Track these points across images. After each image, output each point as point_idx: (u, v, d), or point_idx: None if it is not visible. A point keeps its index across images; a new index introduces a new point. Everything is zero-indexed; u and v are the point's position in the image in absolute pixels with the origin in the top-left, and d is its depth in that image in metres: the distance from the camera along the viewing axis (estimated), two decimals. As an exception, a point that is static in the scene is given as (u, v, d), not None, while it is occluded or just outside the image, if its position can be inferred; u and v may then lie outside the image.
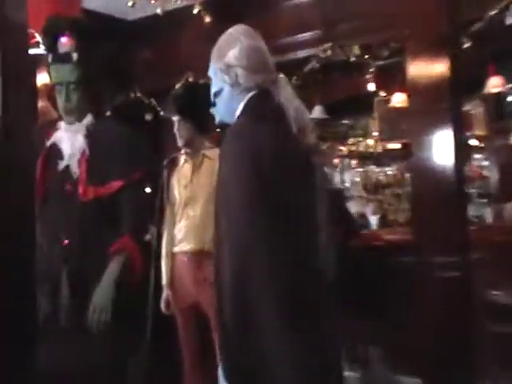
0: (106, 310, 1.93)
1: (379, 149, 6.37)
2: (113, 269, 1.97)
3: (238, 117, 1.49)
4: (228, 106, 1.51)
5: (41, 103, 2.84)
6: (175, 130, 2.70)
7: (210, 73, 1.56)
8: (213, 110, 1.57)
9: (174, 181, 2.74)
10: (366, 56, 4.12)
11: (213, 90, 1.54)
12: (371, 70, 4.30)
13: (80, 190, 2.00)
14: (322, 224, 1.52)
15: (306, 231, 1.45)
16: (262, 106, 1.48)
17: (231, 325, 1.32)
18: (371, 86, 5.07)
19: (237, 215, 1.39)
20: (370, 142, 6.74)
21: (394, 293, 2.96)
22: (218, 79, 1.53)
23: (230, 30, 1.54)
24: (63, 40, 2.04)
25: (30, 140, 1.04)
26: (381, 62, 4.37)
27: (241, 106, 1.49)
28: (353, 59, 3.95)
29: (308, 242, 1.46)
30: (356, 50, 4.07)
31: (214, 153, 2.73)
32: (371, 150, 6.71)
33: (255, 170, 1.37)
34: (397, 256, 3.20)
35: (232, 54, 1.49)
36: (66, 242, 1.99)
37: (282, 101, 1.47)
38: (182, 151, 2.73)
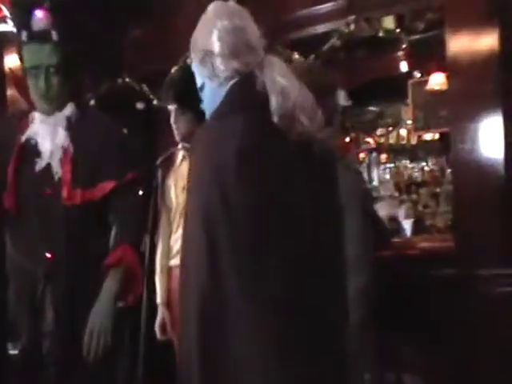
0: (106, 334, 1.91)
1: (413, 140, 6.36)
2: (111, 284, 1.95)
3: (210, 115, 1.51)
4: (211, 101, 1.52)
5: (9, 91, 2.85)
6: (172, 121, 2.66)
7: (193, 66, 1.58)
8: (202, 107, 1.60)
9: (170, 182, 2.69)
10: (398, 30, 4.10)
11: (197, 84, 1.57)
12: (404, 47, 4.28)
13: (64, 193, 1.96)
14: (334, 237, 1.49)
15: (297, 252, 1.40)
16: (236, 97, 1.48)
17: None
18: (404, 66, 5.06)
19: (188, 231, 1.44)
20: (403, 132, 6.72)
21: (431, 312, 2.95)
22: (198, 73, 1.55)
23: (205, 13, 1.54)
24: (39, 15, 2.00)
25: None
26: (415, 37, 4.35)
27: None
28: (381, 34, 3.93)
29: (303, 269, 1.40)
30: (385, 23, 4.06)
31: None
32: (404, 141, 6.69)
33: (210, 180, 1.39)
34: (435, 268, 3.18)
35: (205, 42, 1.49)
36: (49, 256, 1.96)
37: (266, 85, 1.45)
38: (180, 147, 2.69)
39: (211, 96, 1.53)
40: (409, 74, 5.25)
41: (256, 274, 1.37)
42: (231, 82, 1.48)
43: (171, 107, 2.65)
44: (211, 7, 1.53)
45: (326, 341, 1.42)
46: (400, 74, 5.16)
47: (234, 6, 1.55)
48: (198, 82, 1.56)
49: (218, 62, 1.47)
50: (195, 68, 1.56)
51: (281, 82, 1.45)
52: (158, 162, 2.71)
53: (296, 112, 1.44)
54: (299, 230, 1.42)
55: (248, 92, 1.47)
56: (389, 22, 4.14)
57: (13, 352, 1.90)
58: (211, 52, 1.48)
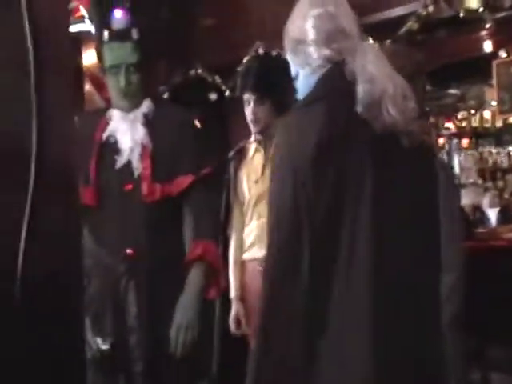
0: (193, 328, 1.96)
1: (499, 123, 6.15)
2: (196, 279, 1.99)
3: (298, 101, 1.53)
4: (305, 90, 1.53)
5: (87, 87, 2.96)
6: (249, 112, 2.65)
7: (286, 55, 1.60)
8: (298, 96, 1.62)
9: (243, 175, 2.72)
10: (481, 9, 3.97)
11: (292, 73, 1.59)
12: (488, 26, 4.14)
13: (144, 189, 2.01)
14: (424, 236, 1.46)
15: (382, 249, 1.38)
16: (323, 85, 1.48)
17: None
18: (488, 46, 4.90)
19: (270, 223, 1.50)
20: (487, 114, 6.51)
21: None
22: (291, 62, 1.57)
23: (298, 1, 1.56)
24: (118, 14, 2.03)
25: (68, 142, 1.06)
26: (501, 15, 4.20)
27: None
28: (463, 14, 3.82)
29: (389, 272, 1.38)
30: (467, 1, 3.94)
31: None
32: (488, 124, 6.48)
33: (289, 169, 1.41)
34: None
35: (298, 30, 1.51)
36: (131, 251, 2.01)
37: (356, 73, 1.45)
38: (252, 139, 2.70)
39: (305, 85, 1.54)
40: (493, 54, 5.08)
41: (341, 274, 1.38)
42: (323, 71, 1.49)
43: (250, 97, 2.65)
44: None
45: (420, 342, 1.41)
46: (483, 55, 5.00)
47: None
48: (292, 71, 1.58)
49: (311, 50, 1.49)
50: (288, 57, 1.58)
51: (370, 69, 1.45)
52: (230, 154, 2.74)
53: (384, 101, 1.42)
54: (384, 225, 1.40)
55: (335, 80, 1.47)
56: (471, 1, 4.02)
57: (104, 347, 1.97)
58: (304, 40, 1.50)
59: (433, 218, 1.51)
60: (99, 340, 1.97)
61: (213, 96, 5.18)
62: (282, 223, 1.45)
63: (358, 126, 1.43)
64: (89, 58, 3.09)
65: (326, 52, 1.48)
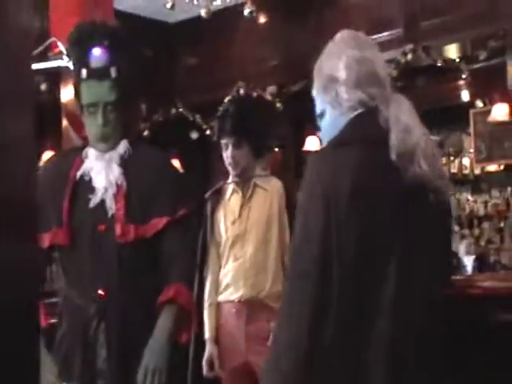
0: (161, 373, 1.92)
1: (476, 171, 6.24)
2: (166, 321, 1.96)
3: (328, 142, 1.51)
4: (331, 130, 1.52)
5: (64, 123, 2.95)
6: (227, 155, 2.69)
7: (313, 92, 1.58)
8: (318, 134, 1.62)
9: (220, 215, 2.74)
10: (458, 59, 4.07)
11: (316, 111, 1.58)
12: (464, 76, 4.24)
13: (118, 229, 2.00)
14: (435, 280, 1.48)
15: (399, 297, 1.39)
16: (358, 129, 1.48)
17: None
18: (465, 95, 5.01)
19: (290, 266, 1.48)
20: (466, 161, 6.60)
21: (495, 361, 2.85)
22: (319, 99, 1.56)
23: (333, 40, 1.56)
24: (97, 52, 2.02)
25: (31, 183, 1.03)
26: (477, 66, 4.31)
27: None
28: (440, 64, 3.91)
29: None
30: (445, 51, 4.05)
31: (267, 182, 2.75)
32: (467, 171, 6.57)
33: (320, 208, 1.39)
34: (501, 310, 3.08)
35: (330, 69, 1.50)
36: (102, 292, 1.99)
37: (389, 121, 1.45)
38: (229, 180, 2.74)
39: (331, 124, 1.53)
40: (471, 104, 5.19)
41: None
42: (355, 113, 1.48)
43: (227, 141, 2.69)
44: (339, 35, 1.55)
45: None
46: (461, 103, 5.10)
47: (364, 36, 1.57)
48: (318, 108, 1.57)
49: (343, 90, 1.48)
50: (316, 94, 1.57)
51: (405, 120, 1.45)
52: (208, 195, 2.75)
53: (416, 153, 1.43)
54: (406, 273, 1.41)
55: (370, 125, 1.47)
56: (448, 51, 4.12)
57: None
58: (336, 79, 1.49)
59: (444, 272, 1.56)
60: (64, 383, 1.91)
61: (194, 135, 5.21)
62: (312, 257, 1.40)
63: (390, 173, 1.43)
64: (67, 94, 3.09)
65: (360, 95, 1.47)
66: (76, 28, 2.11)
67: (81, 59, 2.05)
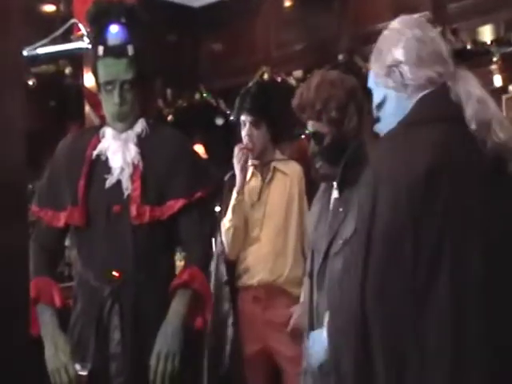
0: (174, 358, 1.91)
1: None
2: (179, 305, 1.95)
3: (398, 122, 1.47)
4: (395, 115, 1.48)
5: (87, 108, 2.97)
6: (244, 133, 2.68)
7: (370, 83, 1.56)
8: (376, 128, 1.58)
9: None
10: (489, 42, 3.97)
11: (375, 102, 1.55)
12: (496, 60, 4.13)
13: (133, 210, 1.99)
14: None
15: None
16: (430, 108, 1.45)
17: None
18: (497, 80, 4.88)
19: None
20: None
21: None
22: (379, 87, 1.53)
23: (391, 25, 1.54)
24: (114, 30, 2.02)
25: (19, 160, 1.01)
26: (510, 49, 4.20)
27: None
28: (470, 47, 3.82)
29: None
30: (475, 34, 3.95)
31: (287, 167, 2.73)
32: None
33: (391, 197, 1.33)
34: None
35: (394, 51, 1.48)
36: (117, 274, 1.99)
37: (461, 96, 1.43)
38: (249, 163, 2.72)
39: (396, 109, 1.49)
40: (503, 89, 5.07)
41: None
42: (423, 93, 1.46)
43: (246, 118, 2.68)
44: (397, 20, 1.54)
45: None
46: (493, 89, 4.98)
47: (421, 19, 1.55)
48: (378, 97, 1.54)
49: (407, 71, 1.46)
50: (374, 83, 1.54)
51: (475, 92, 1.43)
52: (227, 177, 2.74)
53: (493, 123, 1.40)
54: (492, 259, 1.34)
55: (443, 103, 1.44)
56: (479, 34, 4.02)
57: (82, 373, 1.92)
58: (399, 60, 1.46)
59: None
60: (78, 365, 1.92)
61: (219, 121, 5.19)
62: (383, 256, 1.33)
63: (470, 149, 1.40)
64: (90, 78, 3.10)
65: (427, 72, 1.45)
66: (93, 5, 2.10)
67: (98, 37, 2.05)
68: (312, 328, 1.98)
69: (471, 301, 1.33)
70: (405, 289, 1.31)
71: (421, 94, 1.45)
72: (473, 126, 1.40)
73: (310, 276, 2.05)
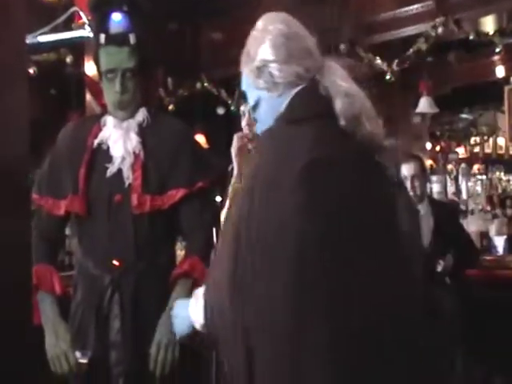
0: (174, 348, 1.91)
1: (511, 151, 6.11)
2: (180, 296, 1.92)
3: (274, 121, 1.48)
4: (270, 116, 1.48)
5: (88, 96, 2.97)
6: (244, 123, 2.67)
7: (243, 85, 1.55)
8: (256, 129, 1.58)
9: (241, 189, 2.74)
10: (492, 32, 3.96)
11: (250, 104, 1.55)
12: (498, 51, 4.12)
13: (134, 200, 1.98)
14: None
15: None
16: (304, 104, 1.46)
17: None
18: (499, 71, 4.88)
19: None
20: (501, 141, 6.46)
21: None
22: (252, 89, 1.52)
23: (256, 25, 1.53)
24: (116, 18, 2.01)
25: (22, 151, 1.02)
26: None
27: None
28: (473, 37, 3.81)
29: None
30: (478, 24, 3.93)
31: None
32: (501, 151, 6.43)
33: (271, 197, 1.35)
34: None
35: (261, 51, 1.47)
36: (117, 263, 1.98)
37: (329, 90, 1.44)
38: (249, 148, 2.68)
39: (270, 109, 1.49)
40: (505, 80, 5.06)
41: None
42: (294, 91, 1.46)
43: (245, 108, 2.65)
44: (262, 18, 1.53)
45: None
46: (495, 80, 4.98)
47: (285, 15, 1.54)
48: (252, 99, 1.53)
49: (276, 69, 1.45)
50: (247, 85, 1.54)
51: (343, 84, 1.45)
52: (230, 168, 2.73)
53: (362, 116, 1.43)
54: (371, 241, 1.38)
55: (313, 100, 1.46)
56: (482, 24, 4.01)
57: (82, 361, 1.93)
58: (267, 60, 1.46)
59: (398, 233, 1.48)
60: (78, 353, 1.93)
61: (220, 110, 5.19)
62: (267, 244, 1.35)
63: (342, 143, 1.43)
64: (91, 67, 3.10)
65: (295, 68, 1.46)
66: None
67: (100, 25, 2.04)
68: None
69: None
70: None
71: (293, 92, 1.46)
72: (342, 122, 1.42)
73: None
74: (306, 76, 1.46)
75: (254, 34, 1.52)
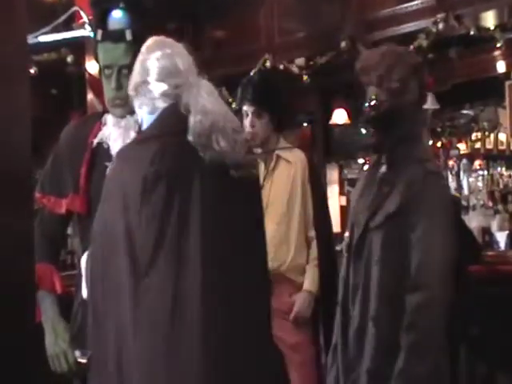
0: None
1: (512, 146, 6.10)
2: None
3: (133, 138, 1.71)
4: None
5: (89, 96, 2.98)
6: (247, 124, 2.67)
7: (135, 107, 1.75)
8: None
9: None
10: (493, 27, 3.95)
11: (139, 122, 1.77)
12: (499, 46, 4.12)
13: None
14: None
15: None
16: (159, 122, 1.63)
17: None
18: (500, 66, 4.87)
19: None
20: (502, 137, 6.46)
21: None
22: (136, 107, 1.72)
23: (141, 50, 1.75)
24: (114, 14, 2.02)
25: (23, 151, 1.02)
26: (513, 35, 4.18)
27: None
28: (473, 33, 3.80)
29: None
30: (479, 20, 3.92)
31: (290, 154, 2.73)
32: (503, 147, 6.42)
33: (120, 200, 1.55)
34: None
35: (137, 74, 1.69)
36: None
37: (190, 108, 1.58)
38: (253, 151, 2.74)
39: (147, 124, 1.69)
40: (506, 75, 5.05)
41: None
42: (162, 108, 1.63)
43: (248, 108, 2.67)
44: (144, 44, 1.73)
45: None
46: (496, 75, 4.96)
47: (164, 39, 1.74)
48: (139, 118, 1.73)
49: (151, 88, 1.65)
50: (136, 108, 1.73)
51: (202, 101, 1.57)
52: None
53: (213, 133, 1.54)
54: (213, 255, 1.51)
55: (170, 116, 1.61)
56: (483, 19, 4.00)
57: (81, 360, 1.91)
58: (144, 80, 1.66)
59: (256, 245, 1.69)
60: (78, 352, 1.92)
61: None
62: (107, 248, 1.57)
63: (189, 158, 1.55)
64: (92, 66, 3.10)
65: (163, 86, 1.63)
66: None
67: (98, 21, 2.07)
68: (346, 302, 2.00)
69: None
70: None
71: (160, 110, 1.64)
72: (190, 138, 1.55)
73: (348, 250, 2.05)
74: (172, 93, 1.62)
75: (138, 58, 1.73)
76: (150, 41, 1.74)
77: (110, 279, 1.55)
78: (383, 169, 2.01)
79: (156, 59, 1.66)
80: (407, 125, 1.97)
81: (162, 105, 1.64)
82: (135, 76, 1.71)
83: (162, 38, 1.75)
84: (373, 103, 1.96)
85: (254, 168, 1.61)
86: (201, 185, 1.52)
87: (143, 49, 1.73)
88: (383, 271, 1.89)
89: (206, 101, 1.57)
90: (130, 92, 1.73)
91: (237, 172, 1.55)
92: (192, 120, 1.55)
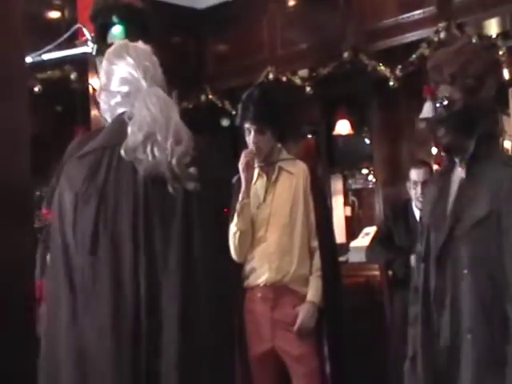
0: None
1: (517, 153, 6.07)
2: None
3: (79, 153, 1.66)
4: None
5: (93, 112, 2.99)
6: (250, 141, 2.68)
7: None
8: None
9: None
10: (495, 35, 3.96)
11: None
12: (501, 53, 4.12)
13: None
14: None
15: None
16: (103, 134, 1.61)
17: None
18: (504, 74, 4.86)
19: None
20: (507, 144, 6.44)
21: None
22: (105, 119, 1.72)
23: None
24: (116, 30, 2.08)
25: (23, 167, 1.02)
26: (515, 42, 4.18)
27: None
28: (475, 41, 3.81)
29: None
30: (480, 28, 3.93)
31: (292, 166, 2.74)
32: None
33: (58, 214, 1.56)
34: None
35: (102, 80, 1.69)
36: None
37: (132, 117, 1.55)
38: (256, 165, 2.73)
39: None
40: (509, 83, 5.03)
41: None
42: (114, 117, 1.63)
43: (250, 126, 2.68)
44: (108, 50, 1.72)
45: None
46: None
47: (127, 43, 1.70)
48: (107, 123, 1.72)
49: (108, 94, 1.65)
50: (102, 115, 1.74)
51: (144, 112, 1.53)
52: (234, 180, 2.74)
53: (149, 144, 1.49)
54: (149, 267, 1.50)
55: (114, 128, 1.60)
56: (485, 27, 4.01)
57: None
58: (102, 88, 1.67)
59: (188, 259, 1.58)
60: None
61: (225, 122, 5.20)
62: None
63: (124, 171, 1.52)
64: (96, 83, 3.12)
65: (115, 94, 1.63)
66: (95, 5, 2.14)
67: (97, 35, 2.08)
68: (428, 313, 1.87)
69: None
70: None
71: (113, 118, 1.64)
72: (122, 152, 1.51)
73: (425, 260, 1.91)
74: (124, 101, 1.61)
75: (102, 63, 1.71)
76: (114, 46, 1.72)
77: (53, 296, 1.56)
78: (459, 171, 1.88)
79: (106, 68, 1.67)
80: (487, 123, 1.85)
81: (114, 113, 1.64)
82: (99, 83, 1.72)
83: (125, 42, 1.73)
84: (445, 103, 1.84)
85: (193, 180, 1.52)
86: (134, 197, 1.51)
87: (106, 55, 1.71)
88: (476, 283, 1.77)
89: (146, 111, 1.53)
90: (97, 99, 1.73)
91: (174, 185, 1.50)
92: (129, 131, 1.52)
